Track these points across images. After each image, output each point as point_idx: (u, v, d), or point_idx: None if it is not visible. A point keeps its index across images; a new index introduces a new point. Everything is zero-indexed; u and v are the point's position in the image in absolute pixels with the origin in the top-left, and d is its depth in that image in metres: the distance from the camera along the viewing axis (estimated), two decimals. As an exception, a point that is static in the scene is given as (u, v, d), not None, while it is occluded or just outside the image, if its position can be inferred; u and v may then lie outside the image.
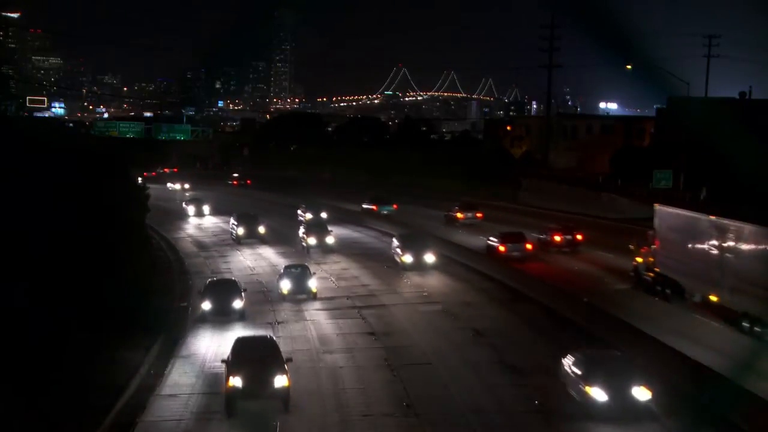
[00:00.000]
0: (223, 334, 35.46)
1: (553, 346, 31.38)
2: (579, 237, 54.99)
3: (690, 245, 38.97)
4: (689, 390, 25.11)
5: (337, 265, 51.71)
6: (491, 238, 53.31)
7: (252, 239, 61.53)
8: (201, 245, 63.32)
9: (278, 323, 37.01)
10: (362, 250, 57.47)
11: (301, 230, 58.87)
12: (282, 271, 43.62)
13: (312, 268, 44.55)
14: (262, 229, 61.96)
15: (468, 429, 23.94)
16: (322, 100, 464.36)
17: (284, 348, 32.51)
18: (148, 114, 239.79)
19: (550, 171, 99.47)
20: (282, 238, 63.38)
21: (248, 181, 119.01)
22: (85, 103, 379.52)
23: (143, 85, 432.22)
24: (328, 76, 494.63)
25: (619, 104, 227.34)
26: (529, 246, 51.82)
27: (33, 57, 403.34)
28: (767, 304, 31.17)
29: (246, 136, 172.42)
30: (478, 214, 66.51)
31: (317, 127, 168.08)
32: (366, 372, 29.20)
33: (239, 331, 35.69)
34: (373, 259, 53.61)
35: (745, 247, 34.33)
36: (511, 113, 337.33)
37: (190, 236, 68.89)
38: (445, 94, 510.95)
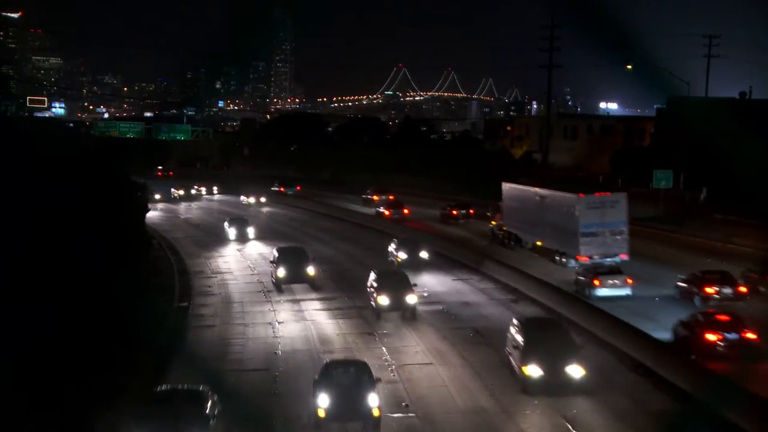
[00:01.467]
0: (224, 333, 35.53)
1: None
2: (471, 212, 72.96)
3: (523, 209, 57.02)
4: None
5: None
6: (378, 208, 77.79)
7: (297, 282, 43.95)
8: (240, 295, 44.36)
9: (278, 323, 37.02)
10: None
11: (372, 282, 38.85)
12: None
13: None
14: (311, 271, 43.67)
15: (468, 429, 23.93)
16: (323, 100, 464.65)
17: (284, 348, 32.69)
18: (148, 114, 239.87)
19: (550, 171, 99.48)
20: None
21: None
22: (86, 103, 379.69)
23: (143, 85, 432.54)
24: (328, 76, 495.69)
25: (619, 104, 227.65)
26: (406, 211, 75.34)
27: (33, 57, 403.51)
28: (567, 244, 49.44)
29: (246, 136, 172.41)
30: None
31: (317, 128, 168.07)
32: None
33: (239, 332, 35.79)
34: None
35: (554, 207, 51.92)
36: (511, 113, 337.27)
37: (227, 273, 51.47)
38: (445, 94, 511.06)
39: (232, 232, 63.55)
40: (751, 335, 29.59)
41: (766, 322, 31.70)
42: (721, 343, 29.23)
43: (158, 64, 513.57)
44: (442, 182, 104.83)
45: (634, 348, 29.66)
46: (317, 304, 40.87)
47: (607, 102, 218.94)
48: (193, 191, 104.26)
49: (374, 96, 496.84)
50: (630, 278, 40.91)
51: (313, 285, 43.58)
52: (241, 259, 56.28)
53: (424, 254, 50.07)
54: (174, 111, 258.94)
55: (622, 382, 27.55)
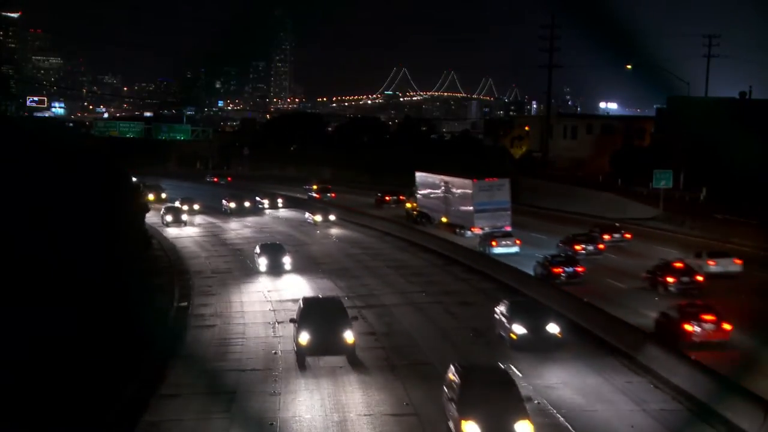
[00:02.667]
0: (224, 333, 35.52)
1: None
2: (401, 197, 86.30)
3: (432, 193, 73.16)
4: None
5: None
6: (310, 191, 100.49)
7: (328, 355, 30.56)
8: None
9: (278, 323, 37.01)
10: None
11: None
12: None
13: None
14: (349, 337, 30.01)
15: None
16: (322, 100, 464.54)
17: (284, 348, 32.67)
18: (148, 114, 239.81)
19: (550, 171, 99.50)
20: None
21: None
22: (85, 103, 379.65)
23: (143, 85, 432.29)
24: (328, 76, 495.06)
25: (619, 104, 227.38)
26: (333, 194, 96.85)
27: (33, 57, 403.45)
28: (465, 219, 64.27)
29: (246, 136, 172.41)
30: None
31: (317, 127, 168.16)
32: (366, 372, 29.19)
33: (239, 332, 35.78)
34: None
35: (455, 190, 67.23)
36: (511, 113, 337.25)
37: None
38: (445, 94, 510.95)
39: (262, 262, 49.38)
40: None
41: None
42: (564, 275, 44.17)
43: (158, 64, 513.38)
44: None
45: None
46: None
47: (607, 102, 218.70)
48: (246, 204, 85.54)
49: (374, 96, 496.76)
50: (518, 240, 56.25)
51: (352, 358, 29.92)
52: (264, 303, 41.91)
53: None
54: (174, 111, 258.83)
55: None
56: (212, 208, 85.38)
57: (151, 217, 70.84)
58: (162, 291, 43.86)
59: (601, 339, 32.12)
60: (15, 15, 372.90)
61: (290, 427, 24.27)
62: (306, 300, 32.77)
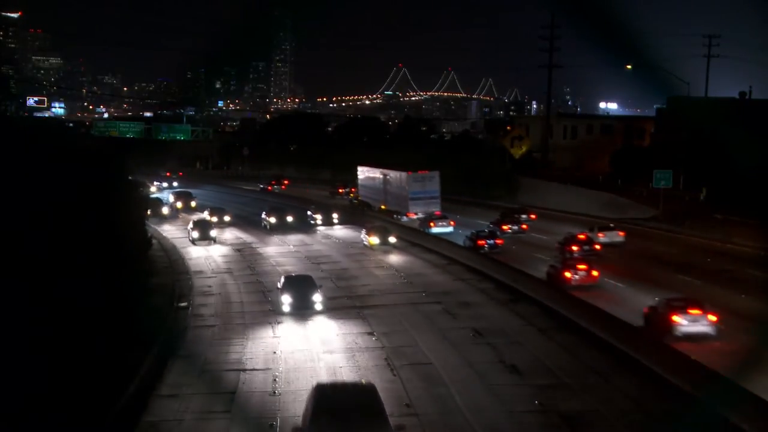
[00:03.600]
0: (224, 333, 35.51)
1: (553, 343, 32.07)
2: (353, 190, 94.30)
3: (372, 184, 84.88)
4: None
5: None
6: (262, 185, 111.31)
7: None
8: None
9: (278, 323, 37.01)
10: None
11: None
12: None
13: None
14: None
15: (468, 429, 23.92)
16: (322, 100, 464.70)
17: (284, 348, 32.67)
18: (148, 114, 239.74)
19: (550, 171, 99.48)
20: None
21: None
22: (85, 103, 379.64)
23: (143, 85, 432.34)
24: (328, 76, 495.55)
25: (619, 104, 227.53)
26: (286, 182, 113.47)
27: (33, 57, 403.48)
28: (401, 206, 75.04)
29: (246, 136, 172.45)
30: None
31: (317, 127, 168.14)
32: (366, 372, 29.18)
33: (239, 332, 35.77)
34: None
35: (392, 182, 78.52)
36: (511, 113, 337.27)
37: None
38: (445, 94, 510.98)
39: (286, 299, 39.35)
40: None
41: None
42: (487, 246, 54.78)
43: (158, 64, 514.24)
44: (443, 181, 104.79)
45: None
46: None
47: (607, 102, 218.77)
48: (289, 218, 70.82)
49: (374, 96, 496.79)
50: (453, 221, 66.90)
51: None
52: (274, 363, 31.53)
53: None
54: (174, 111, 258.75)
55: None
56: (246, 220, 74.95)
57: (175, 232, 68.86)
58: (162, 291, 43.85)
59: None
60: (15, 15, 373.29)
61: (290, 427, 24.24)
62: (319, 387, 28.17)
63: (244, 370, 29.76)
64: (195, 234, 62.37)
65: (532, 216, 69.90)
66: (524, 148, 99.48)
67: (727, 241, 54.77)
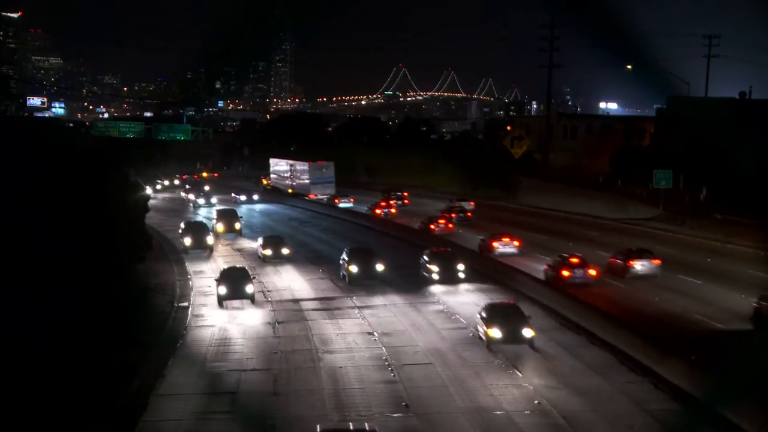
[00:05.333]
0: (223, 333, 35.53)
1: (553, 344, 32.12)
2: (266, 181, 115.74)
3: (281, 172, 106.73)
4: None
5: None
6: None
7: None
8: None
9: (278, 323, 37.02)
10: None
11: None
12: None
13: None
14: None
15: (468, 429, 23.93)
16: (322, 100, 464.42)
17: (285, 348, 32.69)
18: (148, 114, 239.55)
19: (550, 171, 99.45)
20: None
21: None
22: (85, 104, 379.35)
23: (143, 85, 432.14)
24: (328, 76, 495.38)
25: (619, 104, 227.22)
26: (265, 181, 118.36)
27: (33, 57, 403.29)
28: (304, 190, 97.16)
29: (246, 136, 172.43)
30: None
31: (317, 127, 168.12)
32: (366, 372, 29.20)
33: (238, 333, 35.78)
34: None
35: (297, 170, 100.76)
36: (511, 113, 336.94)
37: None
38: (445, 94, 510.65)
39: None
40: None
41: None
42: (437, 229, 64.73)
43: (158, 64, 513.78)
44: (443, 181, 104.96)
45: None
46: (317, 304, 40.90)
47: (607, 102, 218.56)
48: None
49: (374, 96, 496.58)
50: (353, 198, 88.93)
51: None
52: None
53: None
54: (174, 111, 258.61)
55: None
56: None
57: (204, 276, 48.51)
58: (163, 291, 43.86)
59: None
60: (15, 15, 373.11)
61: (290, 427, 24.28)
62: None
63: (245, 370, 29.76)
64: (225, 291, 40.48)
65: (405, 194, 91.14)
66: (524, 148, 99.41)
67: (727, 240, 54.75)
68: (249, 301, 40.65)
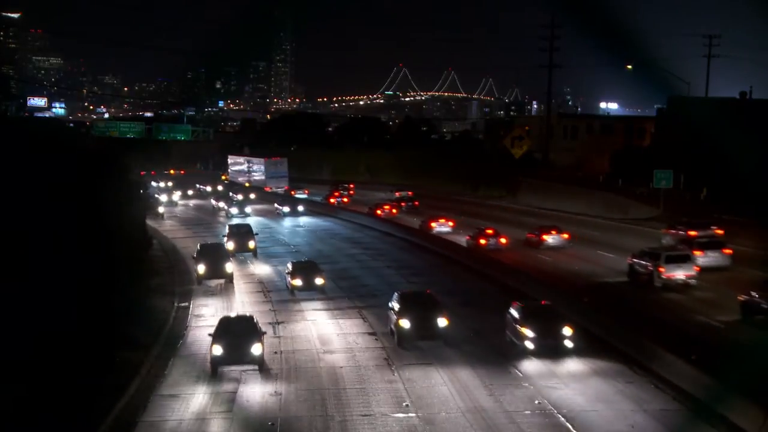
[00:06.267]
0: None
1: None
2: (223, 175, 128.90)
3: (239, 168, 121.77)
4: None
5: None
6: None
7: None
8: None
9: (278, 323, 37.03)
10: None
11: None
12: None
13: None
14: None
15: (468, 429, 23.92)
16: (323, 100, 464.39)
17: (285, 348, 32.70)
18: (148, 114, 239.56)
19: (550, 171, 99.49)
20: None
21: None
22: (86, 104, 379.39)
23: (143, 85, 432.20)
24: (328, 76, 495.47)
25: (619, 104, 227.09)
26: (224, 177, 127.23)
27: (33, 57, 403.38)
28: (261, 183, 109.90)
29: (246, 136, 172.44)
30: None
31: (317, 127, 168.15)
32: (366, 372, 29.21)
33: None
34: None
35: (254, 166, 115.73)
36: (511, 113, 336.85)
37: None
38: (446, 94, 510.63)
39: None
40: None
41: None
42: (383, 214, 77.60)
43: (158, 64, 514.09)
44: (444, 182, 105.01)
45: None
46: (317, 304, 40.92)
47: (607, 102, 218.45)
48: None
49: (374, 96, 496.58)
50: (307, 190, 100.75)
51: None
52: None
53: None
54: (174, 111, 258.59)
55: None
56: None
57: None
58: (163, 291, 43.88)
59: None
60: (15, 15, 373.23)
61: (290, 427, 24.29)
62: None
63: (245, 370, 29.75)
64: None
65: (351, 185, 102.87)
66: (524, 148, 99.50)
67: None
68: (255, 367, 29.32)
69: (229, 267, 46.10)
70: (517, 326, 30.73)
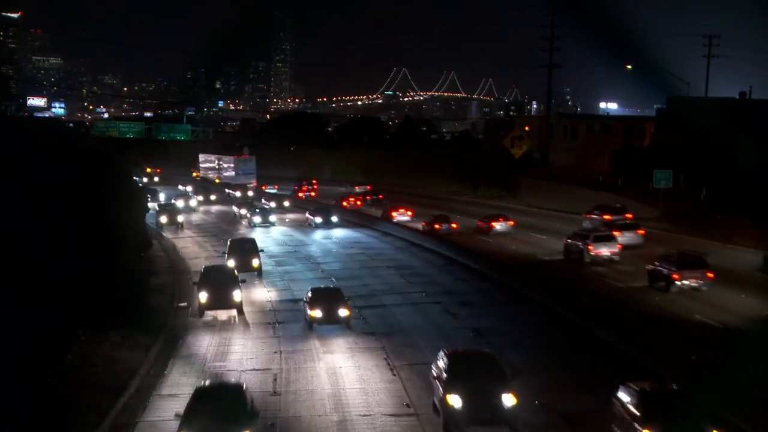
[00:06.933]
0: (223, 334, 35.50)
1: (553, 344, 32.27)
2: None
3: (210, 165, 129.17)
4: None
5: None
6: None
7: None
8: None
9: (278, 323, 37.01)
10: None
11: None
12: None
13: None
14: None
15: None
16: (323, 100, 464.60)
17: (284, 348, 32.67)
18: (148, 114, 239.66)
19: (550, 171, 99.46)
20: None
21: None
22: (85, 103, 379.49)
23: (143, 85, 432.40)
24: (328, 76, 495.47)
25: (619, 104, 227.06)
26: (195, 174, 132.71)
27: (33, 57, 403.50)
28: (230, 179, 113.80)
29: (246, 136, 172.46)
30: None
31: (317, 127, 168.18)
32: (366, 372, 29.20)
33: (239, 332, 35.77)
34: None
35: (224, 164, 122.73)
36: (511, 113, 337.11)
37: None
38: (446, 94, 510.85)
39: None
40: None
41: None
42: (349, 205, 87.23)
43: (158, 64, 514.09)
44: (444, 182, 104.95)
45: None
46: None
47: (607, 102, 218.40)
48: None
49: (374, 96, 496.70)
50: (276, 185, 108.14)
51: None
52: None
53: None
54: (174, 111, 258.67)
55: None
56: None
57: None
58: (162, 291, 43.85)
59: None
60: (15, 15, 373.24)
61: (290, 427, 24.29)
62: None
63: (244, 370, 29.75)
64: None
65: (314, 181, 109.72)
66: (524, 148, 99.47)
67: (727, 240, 54.70)
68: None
69: (237, 295, 38.57)
70: (636, 425, 20.78)
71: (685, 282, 40.03)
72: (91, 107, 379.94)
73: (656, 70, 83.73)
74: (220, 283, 38.77)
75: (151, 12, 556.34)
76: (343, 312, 34.79)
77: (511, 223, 64.69)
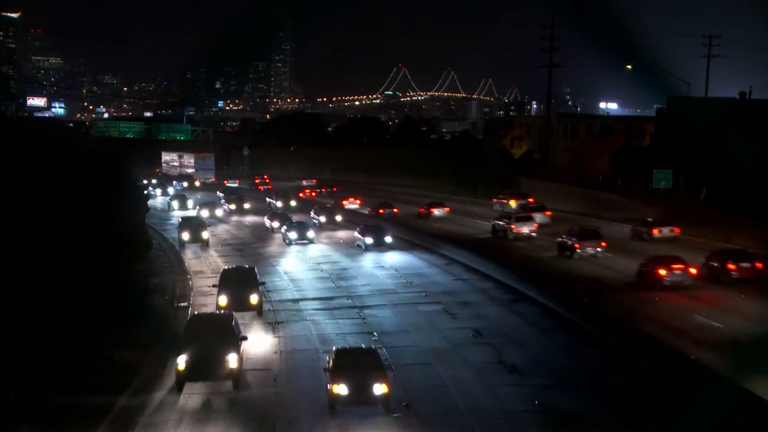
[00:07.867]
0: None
1: (552, 344, 32.23)
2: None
3: (172, 162, 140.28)
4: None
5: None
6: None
7: None
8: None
9: (278, 323, 37.00)
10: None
11: None
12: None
13: None
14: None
15: (468, 429, 23.93)
16: (322, 100, 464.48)
17: (284, 348, 32.68)
18: (148, 114, 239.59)
19: (549, 171, 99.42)
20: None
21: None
22: (85, 104, 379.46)
23: (143, 85, 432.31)
24: (328, 76, 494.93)
25: (619, 104, 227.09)
26: (158, 170, 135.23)
27: (33, 57, 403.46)
28: (193, 175, 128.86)
29: (246, 136, 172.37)
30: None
31: (317, 127, 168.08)
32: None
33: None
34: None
35: (185, 161, 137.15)
36: (511, 113, 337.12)
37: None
38: (445, 94, 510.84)
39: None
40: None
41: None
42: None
43: (158, 64, 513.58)
44: (444, 182, 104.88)
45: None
46: (317, 304, 40.88)
47: (607, 102, 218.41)
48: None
49: (374, 96, 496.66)
50: (238, 179, 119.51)
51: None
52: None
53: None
54: (174, 111, 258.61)
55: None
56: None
57: None
58: (162, 291, 43.85)
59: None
60: (15, 15, 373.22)
61: (290, 427, 24.29)
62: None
63: (245, 369, 29.75)
64: None
65: (266, 176, 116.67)
66: (524, 148, 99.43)
67: (727, 241, 54.68)
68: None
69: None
70: None
71: (586, 250, 50.24)
72: (91, 107, 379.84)
73: (656, 70, 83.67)
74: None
75: (151, 12, 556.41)
76: (379, 389, 24.55)
77: (447, 209, 76.01)
